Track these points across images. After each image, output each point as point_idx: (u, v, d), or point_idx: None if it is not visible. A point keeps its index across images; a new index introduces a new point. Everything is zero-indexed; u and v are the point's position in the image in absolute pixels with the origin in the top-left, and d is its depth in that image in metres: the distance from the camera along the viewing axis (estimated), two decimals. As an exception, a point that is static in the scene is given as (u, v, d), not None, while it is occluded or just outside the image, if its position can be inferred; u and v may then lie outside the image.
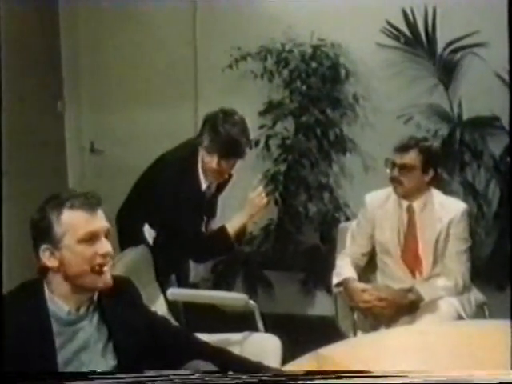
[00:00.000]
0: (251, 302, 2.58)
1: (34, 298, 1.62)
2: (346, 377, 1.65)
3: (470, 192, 3.56)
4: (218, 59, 3.53)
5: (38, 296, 1.62)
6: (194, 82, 3.75)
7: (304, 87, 3.49)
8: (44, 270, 1.62)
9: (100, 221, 1.62)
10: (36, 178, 3.34)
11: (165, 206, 2.58)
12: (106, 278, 1.63)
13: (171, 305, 2.62)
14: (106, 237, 1.63)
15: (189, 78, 3.75)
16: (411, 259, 2.64)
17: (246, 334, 2.51)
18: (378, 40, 3.57)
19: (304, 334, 2.06)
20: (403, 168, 2.57)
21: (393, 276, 2.67)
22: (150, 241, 2.64)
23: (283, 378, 1.65)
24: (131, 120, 3.84)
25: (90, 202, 1.61)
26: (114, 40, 3.80)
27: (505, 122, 3.52)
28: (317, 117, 3.51)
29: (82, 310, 1.65)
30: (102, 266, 1.61)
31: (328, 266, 2.87)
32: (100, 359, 1.64)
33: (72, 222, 1.58)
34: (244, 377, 1.60)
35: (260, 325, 2.56)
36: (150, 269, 2.55)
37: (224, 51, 3.47)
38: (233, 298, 2.70)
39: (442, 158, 3.53)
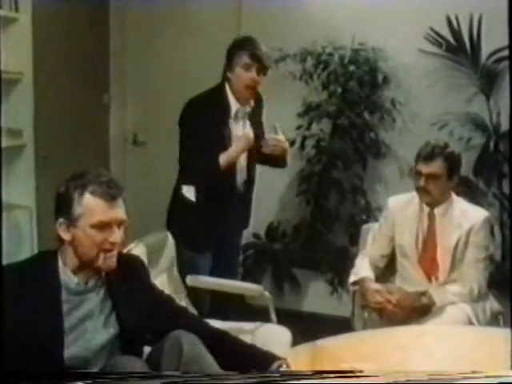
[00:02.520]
0: (266, 293, 2.64)
1: (48, 266, 1.75)
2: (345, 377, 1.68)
3: (506, 204, 3.51)
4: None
5: (51, 265, 1.75)
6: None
7: (341, 90, 3.52)
8: (60, 240, 1.74)
9: (116, 211, 1.72)
10: (77, 167, 3.51)
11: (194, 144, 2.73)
12: (111, 262, 1.74)
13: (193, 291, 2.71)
14: (119, 226, 1.73)
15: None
16: (428, 264, 2.64)
17: (257, 324, 2.57)
18: (419, 46, 3.57)
19: (319, 332, 2.10)
20: (429, 177, 2.57)
21: (410, 279, 2.67)
22: (193, 198, 2.77)
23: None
24: (174, 114, 3.96)
25: (111, 192, 1.71)
26: (161, 37, 3.94)
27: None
28: (353, 120, 3.54)
29: (91, 284, 1.77)
30: (109, 251, 1.72)
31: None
32: (102, 328, 1.75)
33: (90, 207, 1.69)
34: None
35: (273, 316, 2.62)
36: (170, 255, 2.65)
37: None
38: (248, 288, 2.77)
39: (479, 168, 3.55)
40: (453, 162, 2.59)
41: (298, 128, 3.64)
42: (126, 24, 4.00)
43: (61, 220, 1.71)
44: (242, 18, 3.78)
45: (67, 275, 1.74)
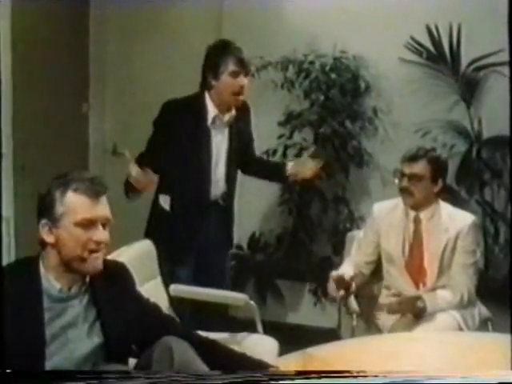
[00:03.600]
0: (251, 302, 2.59)
1: (28, 272, 1.67)
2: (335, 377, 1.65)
3: (489, 212, 3.51)
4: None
5: (32, 271, 1.67)
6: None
7: (324, 98, 3.51)
8: (42, 244, 1.67)
9: (101, 209, 1.66)
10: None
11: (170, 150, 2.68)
12: (96, 264, 1.67)
13: (176, 301, 2.65)
14: (104, 225, 1.67)
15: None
16: (415, 270, 2.62)
17: (244, 334, 2.52)
18: (400, 55, 3.58)
19: (304, 343, 2.06)
20: (412, 178, 2.56)
21: (396, 286, 2.65)
22: (167, 207, 2.71)
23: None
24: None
25: (94, 189, 1.65)
26: (140, 45, 3.90)
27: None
28: (335, 128, 3.52)
29: (74, 290, 1.69)
30: (94, 251, 1.65)
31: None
32: (85, 338, 1.67)
33: (73, 204, 1.63)
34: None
35: (259, 326, 2.56)
36: (153, 264, 2.59)
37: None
38: (233, 297, 2.71)
39: (461, 176, 3.55)
40: (437, 166, 2.58)
41: (280, 137, 3.61)
42: (106, 33, 3.95)
43: (43, 221, 1.64)
44: (223, 26, 3.76)
45: (49, 281, 1.66)
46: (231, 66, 2.63)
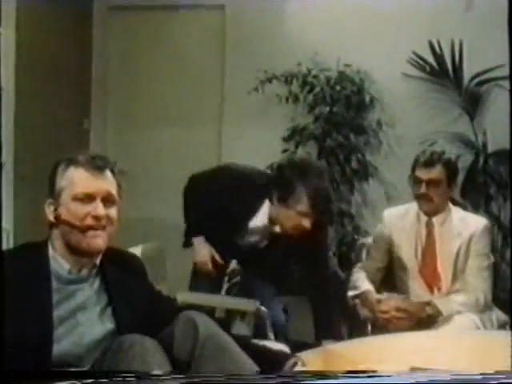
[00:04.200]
0: (262, 308, 2.51)
1: (36, 254, 1.60)
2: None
3: (496, 225, 3.48)
4: (244, 81, 3.58)
5: (40, 253, 1.60)
6: (221, 103, 3.81)
7: (328, 112, 3.50)
8: (49, 226, 1.61)
9: (101, 183, 1.59)
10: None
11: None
12: (96, 242, 1.58)
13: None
14: (105, 201, 1.59)
15: (215, 100, 3.81)
16: (430, 275, 2.56)
17: (255, 341, 2.43)
18: (403, 70, 3.61)
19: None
20: (430, 183, 2.52)
21: (410, 293, 2.59)
22: None
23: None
24: (156, 141, 3.89)
25: (95, 163, 1.59)
26: (142, 61, 3.90)
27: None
28: (340, 142, 3.51)
29: (84, 272, 1.62)
30: (92, 228, 1.57)
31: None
32: (97, 321, 1.59)
33: (72, 178, 1.58)
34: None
35: (270, 333, 2.48)
36: (162, 269, 2.52)
37: (250, 73, 3.52)
38: (244, 303, 2.63)
39: (467, 189, 3.53)
40: (451, 169, 2.55)
41: (285, 151, 3.59)
42: (108, 48, 3.95)
43: (49, 201, 1.59)
44: (226, 41, 3.77)
45: (58, 262, 1.59)
46: (302, 205, 2.22)
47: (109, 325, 1.60)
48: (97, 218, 1.56)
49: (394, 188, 3.62)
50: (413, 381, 1.53)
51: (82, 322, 1.57)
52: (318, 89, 3.49)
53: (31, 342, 1.48)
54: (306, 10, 3.62)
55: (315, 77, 3.53)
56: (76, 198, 1.56)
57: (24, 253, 1.62)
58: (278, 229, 2.35)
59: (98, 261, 1.65)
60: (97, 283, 1.64)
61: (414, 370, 1.66)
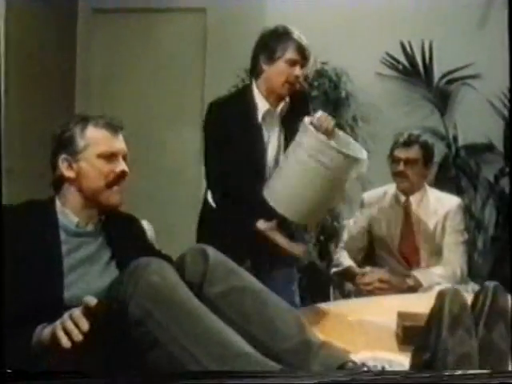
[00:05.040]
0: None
1: (43, 209, 1.68)
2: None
3: (467, 215, 3.63)
4: (225, 79, 3.70)
5: (47, 208, 1.68)
6: (202, 102, 3.91)
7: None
8: (60, 181, 1.69)
9: (120, 143, 1.71)
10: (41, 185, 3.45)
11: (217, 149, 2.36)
12: (117, 198, 1.70)
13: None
14: (123, 159, 1.71)
15: (197, 100, 3.92)
16: (409, 251, 2.69)
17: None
18: (377, 70, 3.79)
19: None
20: (408, 162, 2.67)
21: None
22: (213, 204, 2.41)
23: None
24: (139, 140, 3.97)
25: (113, 125, 1.70)
26: (126, 64, 4.00)
27: (499, 147, 3.68)
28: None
29: (90, 227, 1.70)
30: (115, 184, 1.68)
31: (326, 282, 2.93)
32: (103, 272, 1.67)
33: (95, 137, 1.67)
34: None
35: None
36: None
37: (231, 72, 3.65)
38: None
39: (439, 182, 3.68)
40: (427, 150, 2.71)
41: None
42: (93, 51, 4.04)
43: (63, 156, 1.66)
44: (208, 43, 3.90)
45: (66, 216, 1.67)
46: (290, 53, 2.33)
47: (114, 275, 1.68)
48: (121, 174, 1.68)
49: (369, 182, 3.75)
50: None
51: (89, 271, 1.65)
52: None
53: (44, 289, 1.55)
54: (285, 12, 3.77)
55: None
56: (101, 156, 1.66)
57: (30, 208, 1.68)
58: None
59: (103, 217, 1.74)
60: (101, 238, 1.72)
61: (401, 314, 1.78)
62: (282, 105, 2.38)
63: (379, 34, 3.78)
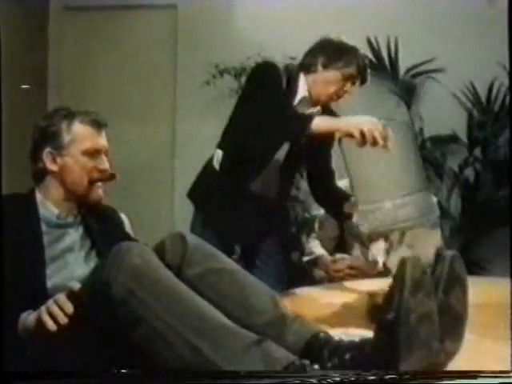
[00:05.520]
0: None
1: (23, 201, 1.73)
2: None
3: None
4: (196, 75, 3.77)
5: (28, 201, 1.73)
6: (174, 98, 3.97)
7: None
8: (41, 173, 1.74)
9: (103, 140, 1.78)
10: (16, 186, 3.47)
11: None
12: (98, 193, 1.77)
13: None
14: (105, 155, 1.77)
15: (168, 96, 3.98)
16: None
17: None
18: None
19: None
20: None
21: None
22: (217, 166, 2.39)
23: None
24: (110, 135, 4.01)
25: (98, 121, 1.76)
26: (98, 61, 4.04)
27: (463, 138, 3.82)
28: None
29: (70, 219, 1.76)
30: (97, 180, 1.75)
31: (299, 270, 3.02)
32: (84, 261, 1.74)
33: (80, 134, 1.73)
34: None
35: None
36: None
37: (202, 68, 3.72)
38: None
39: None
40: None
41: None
42: (65, 49, 4.07)
43: (48, 150, 1.71)
44: (179, 39, 3.96)
45: (47, 208, 1.72)
46: (351, 68, 2.35)
47: (93, 264, 1.73)
48: (103, 171, 1.74)
49: (340, 173, 3.85)
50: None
51: (71, 261, 1.71)
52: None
53: (27, 279, 1.60)
54: (254, 9, 3.85)
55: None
56: (86, 153, 1.72)
57: (10, 202, 1.70)
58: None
59: (82, 209, 1.79)
60: (81, 229, 1.78)
61: (372, 295, 1.86)
62: (316, 109, 2.39)
63: (346, 30, 3.86)
